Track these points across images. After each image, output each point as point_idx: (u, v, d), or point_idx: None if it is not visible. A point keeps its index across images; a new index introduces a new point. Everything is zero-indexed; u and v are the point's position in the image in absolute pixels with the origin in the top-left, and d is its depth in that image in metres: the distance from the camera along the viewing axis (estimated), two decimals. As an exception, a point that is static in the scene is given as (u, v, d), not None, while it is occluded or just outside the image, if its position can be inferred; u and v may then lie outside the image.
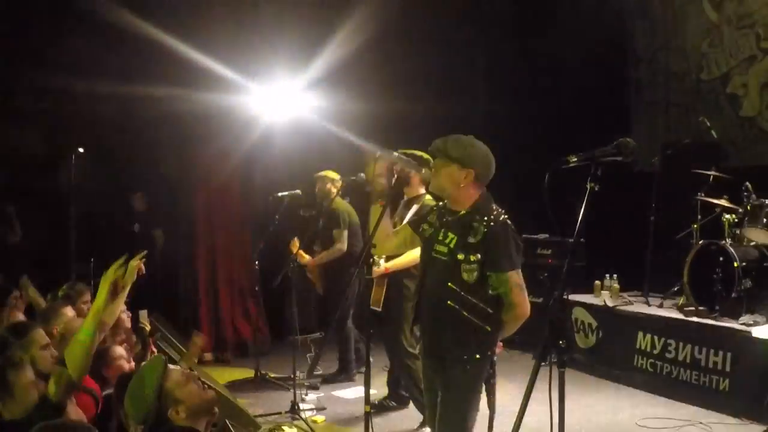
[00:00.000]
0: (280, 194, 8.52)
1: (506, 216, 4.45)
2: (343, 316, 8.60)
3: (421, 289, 4.71)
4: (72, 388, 4.06)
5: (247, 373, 9.04)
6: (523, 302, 4.35)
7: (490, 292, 4.36)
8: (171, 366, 3.78)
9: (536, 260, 10.11)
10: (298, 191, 8.59)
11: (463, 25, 11.12)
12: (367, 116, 9.60)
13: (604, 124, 10.68)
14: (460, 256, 4.37)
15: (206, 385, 3.80)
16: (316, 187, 8.78)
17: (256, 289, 9.11)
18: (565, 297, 3.30)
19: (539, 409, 3.46)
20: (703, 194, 8.68)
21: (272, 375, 8.84)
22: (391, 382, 7.76)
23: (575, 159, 3.44)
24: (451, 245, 4.44)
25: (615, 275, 9.47)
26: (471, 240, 4.37)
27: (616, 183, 8.47)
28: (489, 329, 4.38)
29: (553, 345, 3.17)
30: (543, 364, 3.17)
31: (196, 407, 3.67)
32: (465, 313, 4.36)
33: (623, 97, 11.60)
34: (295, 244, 8.44)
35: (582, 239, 9.18)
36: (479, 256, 4.33)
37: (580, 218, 3.36)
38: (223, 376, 8.86)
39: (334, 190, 8.59)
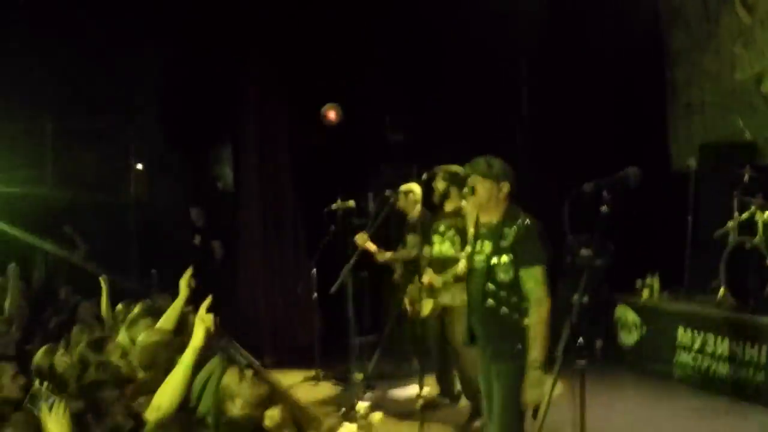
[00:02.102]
0: (333, 206, 9.04)
1: (533, 220, 4.93)
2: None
3: (468, 302, 5.19)
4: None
5: (307, 375, 9.51)
6: (546, 299, 4.78)
7: (521, 292, 4.84)
8: (230, 366, 4.42)
9: (579, 260, 10.40)
10: (351, 202, 9.09)
11: (500, 30, 11.35)
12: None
13: (641, 125, 11.00)
14: (494, 260, 4.88)
15: (261, 382, 4.44)
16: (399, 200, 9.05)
17: (315, 296, 9.53)
18: (585, 300, 3.74)
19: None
20: (739, 193, 8.96)
21: (330, 376, 9.31)
22: (441, 380, 8.20)
23: (589, 188, 3.89)
24: (487, 251, 4.96)
25: (656, 273, 9.79)
26: (503, 244, 4.88)
27: (655, 185, 8.88)
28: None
29: (573, 343, 3.65)
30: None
31: (250, 399, 4.38)
32: (504, 310, 4.86)
33: (660, 98, 11.81)
34: (363, 236, 8.72)
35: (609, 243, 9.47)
36: (512, 256, 4.83)
37: (596, 236, 3.81)
38: (285, 379, 9.29)
39: (414, 201, 8.92)
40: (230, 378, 4.45)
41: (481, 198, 5.00)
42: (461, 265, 5.41)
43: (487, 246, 4.96)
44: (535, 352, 4.70)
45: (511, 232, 4.86)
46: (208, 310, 4.45)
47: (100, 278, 8.15)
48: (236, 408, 4.39)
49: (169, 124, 12.10)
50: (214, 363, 4.56)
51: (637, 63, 11.25)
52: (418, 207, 8.70)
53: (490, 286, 4.89)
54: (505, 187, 4.97)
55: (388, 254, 8.80)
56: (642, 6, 11.34)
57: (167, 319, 5.64)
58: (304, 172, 11.41)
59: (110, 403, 4.47)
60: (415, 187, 8.74)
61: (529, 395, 4.75)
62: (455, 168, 6.36)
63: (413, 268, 6.98)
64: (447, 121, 11.23)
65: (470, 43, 11.15)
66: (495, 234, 4.94)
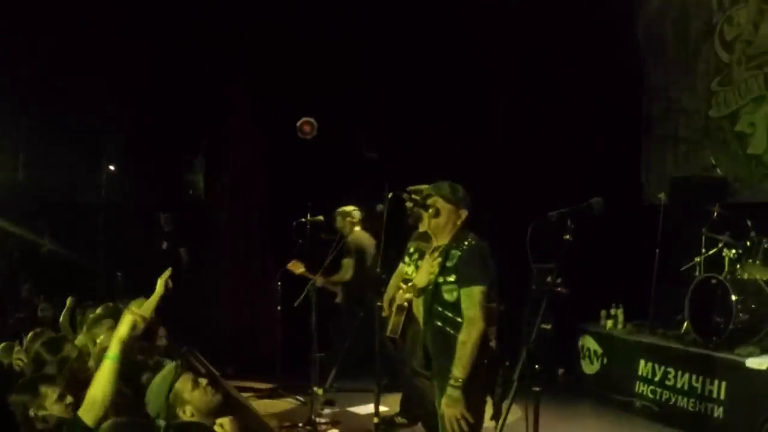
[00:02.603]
0: (303, 220, 9.02)
1: (480, 241, 4.96)
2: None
3: (421, 319, 5.15)
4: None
5: (267, 387, 9.45)
6: (479, 320, 4.73)
7: (462, 313, 4.81)
8: (184, 373, 4.42)
9: (546, 287, 10.41)
10: (320, 217, 9.08)
11: (478, 55, 11.41)
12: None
13: (615, 157, 11.05)
14: (441, 279, 4.88)
15: (214, 391, 4.44)
16: (337, 221, 9.20)
17: (278, 308, 9.50)
18: (549, 327, 3.77)
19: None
20: (707, 229, 9.01)
21: (290, 390, 9.28)
22: (403, 401, 8.16)
23: (554, 215, 3.93)
24: (435, 272, 4.95)
25: (621, 305, 9.82)
26: (449, 264, 4.89)
27: (626, 216, 8.92)
28: None
29: (530, 369, 3.65)
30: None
31: (201, 408, 4.42)
32: (450, 330, 4.84)
33: (634, 130, 11.90)
34: (296, 264, 8.95)
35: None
36: (455, 277, 4.83)
37: (557, 266, 3.82)
38: (244, 390, 9.27)
39: (351, 223, 9.08)
40: (183, 384, 4.46)
41: (441, 221, 5.03)
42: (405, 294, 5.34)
43: (436, 267, 4.96)
44: (457, 370, 4.69)
45: (456, 253, 4.88)
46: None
47: (68, 299, 8.09)
48: (186, 415, 4.41)
49: (143, 127, 12.07)
50: (169, 368, 4.55)
51: (614, 95, 11.30)
52: (357, 229, 8.93)
53: (437, 306, 4.91)
54: (464, 214, 5.03)
55: (321, 279, 8.90)
56: (622, 39, 11.41)
57: (146, 309, 5.61)
58: (275, 184, 11.38)
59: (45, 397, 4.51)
60: (353, 210, 9.01)
61: (444, 412, 4.76)
62: (423, 187, 6.34)
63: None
64: (422, 142, 11.24)
65: (448, 65, 11.21)
66: (443, 255, 4.95)
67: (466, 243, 4.92)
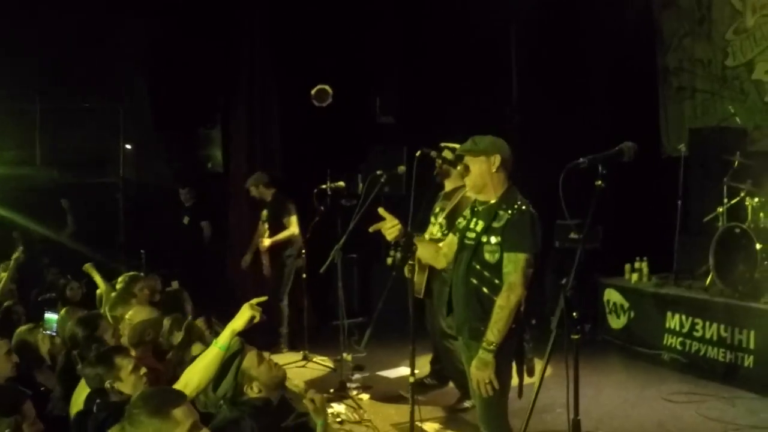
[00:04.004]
0: (323, 186, 9.06)
1: (530, 207, 4.88)
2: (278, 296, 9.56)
3: (452, 276, 5.16)
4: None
5: (296, 357, 9.49)
6: (520, 287, 4.72)
7: (502, 275, 4.79)
8: (248, 348, 4.41)
9: (569, 244, 10.42)
10: (341, 183, 9.11)
11: (491, 12, 11.35)
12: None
13: (631, 110, 11.00)
14: (484, 239, 4.83)
15: (276, 364, 4.44)
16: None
17: (303, 276, 9.55)
18: (575, 278, 3.76)
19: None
20: (728, 179, 8.98)
21: (319, 358, 9.33)
22: (433, 362, 8.20)
23: (584, 161, 3.89)
24: (479, 230, 4.91)
25: (645, 258, 9.81)
26: (495, 225, 4.82)
27: (646, 169, 8.89)
28: None
29: (568, 317, 3.65)
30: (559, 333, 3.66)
31: (268, 383, 4.38)
32: (486, 290, 4.82)
33: (651, 83, 11.83)
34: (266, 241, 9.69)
35: (599, 226, 9.59)
36: (500, 238, 4.79)
37: (590, 211, 3.81)
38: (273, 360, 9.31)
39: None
40: (249, 362, 4.49)
41: (474, 176, 4.96)
42: (444, 250, 5.31)
43: (480, 225, 4.91)
44: (492, 334, 4.69)
45: (505, 215, 4.81)
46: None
47: (85, 267, 8.16)
48: (253, 392, 4.44)
49: (158, 104, 12.09)
50: (234, 344, 4.53)
51: (628, 48, 11.26)
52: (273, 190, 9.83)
53: (476, 264, 4.86)
54: (497, 159, 4.89)
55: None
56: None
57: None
58: (293, 152, 11.39)
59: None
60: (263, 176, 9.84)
61: (473, 374, 4.79)
62: (456, 145, 6.31)
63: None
64: (437, 104, 11.23)
65: (461, 25, 11.15)
66: (489, 214, 4.89)
67: (516, 206, 4.85)
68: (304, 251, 9.61)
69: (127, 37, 11.29)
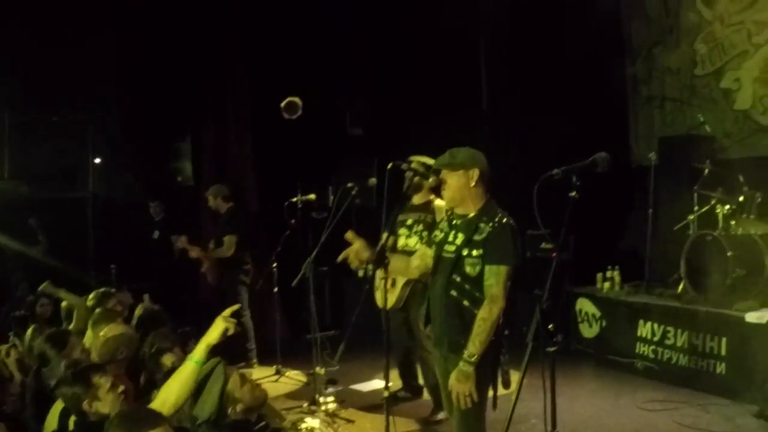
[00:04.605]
0: (294, 199, 9.00)
1: (510, 219, 4.87)
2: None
3: (431, 288, 5.12)
4: None
5: (268, 371, 9.44)
6: (501, 299, 4.71)
7: (483, 287, 4.78)
8: (230, 369, 4.40)
9: (541, 253, 10.41)
10: (312, 195, 9.06)
11: (461, 23, 11.35)
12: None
13: (602, 120, 11.02)
14: (465, 251, 4.81)
15: (258, 385, 4.44)
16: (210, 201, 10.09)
17: (275, 290, 9.50)
18: (547, 290, 3.77)
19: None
20: (699, 187, 9.01)
21: (292, 372, 9.28)
22: (404, 375, 8.16)
23: (558, 172, 3.89)
24: (458, 243, 4.88)
25: (616, 267, 9.83)
26: (476, 237, 4.81)
27: (616, 178, 8.91)
28: None
29: (543, 329, 3.64)
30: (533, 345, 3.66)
31: (251, 404, 4.41)
32: (466, 303, 4.81)
33: (621, 92, 11.85)
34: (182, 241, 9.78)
35: (570, 236, 9.57)
36: (481, 251, 4.77)
37: (565, 222, 3.80)
38: (246, 374, 9.24)
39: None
40: (233, 384, 4.52)
41: (453, 190, 4.95)
42: (416, 262, 5.27)
43: (460, 237, 4.89)
44: (474, 347, 4.68)
45: (486, 228, 4.80)
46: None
47: (43, 287, 8.06)
48: (235, 412, 4.49)
49: (127, 117, 11.98)
50: (219, 370, 4.48)
51: (598, 57, 11.27)
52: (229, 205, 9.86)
53: (456, 277, 4.84)
54: (475, 173, 4.88)
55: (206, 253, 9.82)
56: (603, 2, 11.34)
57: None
58: (264, 165, 11.34)
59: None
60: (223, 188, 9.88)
61: (453, 387, 4.77)
62: (426, 159, 6.28)
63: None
64: (407, 116, 11.21)
65: (431, 37, 11.15)
66: (470, 227, 4.87)
67: (497, 219, 4.84)
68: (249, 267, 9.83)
69: (96, 49, 11.18)
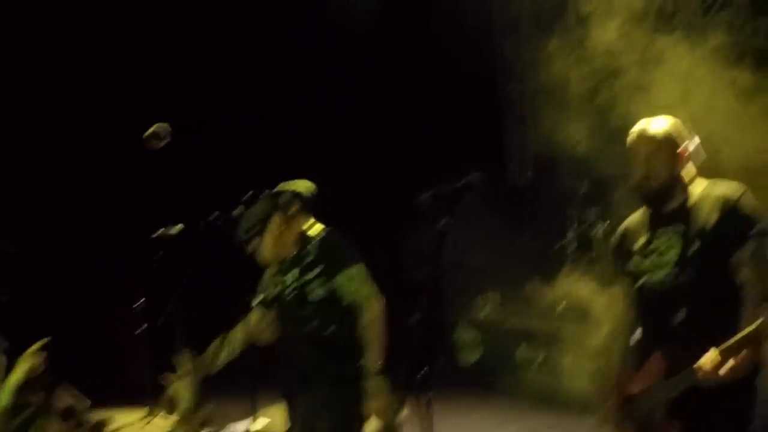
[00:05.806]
0: (159, 233, 8.58)
1: (329, 228, 4.65)
2: None
3: (282, 344, 4.82)
4: None
5: (140, 413, 9.10)
6: (375, 294, 4.50)
7: (343, 303, 4.51)
8: None
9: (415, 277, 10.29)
10: (177, 227, 8.66)
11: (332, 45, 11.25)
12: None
13: (477, 140, 10.95)
14: (303, 279, 4.53)
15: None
16: None
17: (144, 327, 9.13)
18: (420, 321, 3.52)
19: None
20: (575, 206, 9.02)
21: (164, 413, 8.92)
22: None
23: (426, 200, 3.64)
24: (294, 278, 4.60)
25: (497, 290, 9.76)
26: (309, 259, 4.53)
27: (492, 199, 8.84)
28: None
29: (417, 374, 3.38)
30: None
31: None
32: (332, 327, 4.52)
33: (496, 112, 11.86)
34: None
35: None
36: (321, 268, 4.50)
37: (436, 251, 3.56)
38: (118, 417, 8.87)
39: None
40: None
41: (273, 232, 4.64)
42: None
43: (293, 274, 4.61)
44: (374, 354, 4.42)
45: (311, 248, 4.54)
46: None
47: None
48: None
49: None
50: None
51: (473, 77, 11.21)
52: None
53: (304, 313, 4.54)
54: (294, 207, 4.59)
55: None
56: (478, 20, 11.30)
57: None
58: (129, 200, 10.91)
59: None
60: None
61: (372, 406, 4.43)
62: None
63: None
64: (277, 141, 10.95)
65: (303, 58, 10.97)
66: (298, 257, 4.59)
67: (316, 234, 4.59)
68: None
69: None
